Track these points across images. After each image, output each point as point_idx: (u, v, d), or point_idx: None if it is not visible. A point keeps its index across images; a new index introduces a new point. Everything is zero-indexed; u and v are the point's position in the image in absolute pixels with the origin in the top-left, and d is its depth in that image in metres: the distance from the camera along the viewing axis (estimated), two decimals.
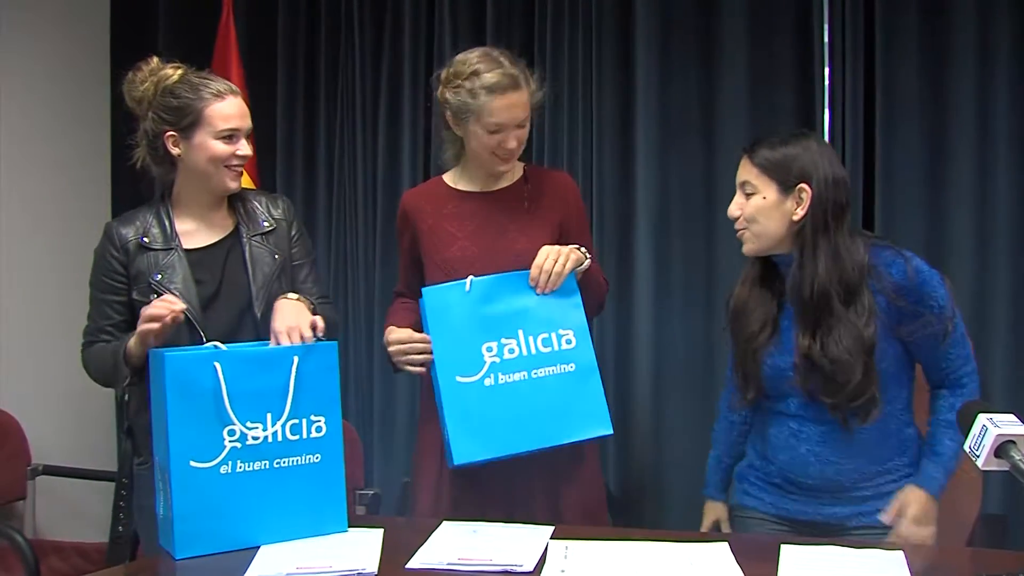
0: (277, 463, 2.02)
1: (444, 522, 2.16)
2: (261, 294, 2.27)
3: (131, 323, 2.19)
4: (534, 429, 2.23)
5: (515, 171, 2.51)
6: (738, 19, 3.30)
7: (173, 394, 1.94)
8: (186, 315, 2.14)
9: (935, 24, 3.10)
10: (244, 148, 2.25)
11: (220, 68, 3.27)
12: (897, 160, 3.13)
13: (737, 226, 2.19)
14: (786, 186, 2.11)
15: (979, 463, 1.67)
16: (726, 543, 1.97)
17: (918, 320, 2.10)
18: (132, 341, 2.13)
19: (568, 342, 2.29)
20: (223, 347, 2.06)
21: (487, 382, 2.23)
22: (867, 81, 3.16)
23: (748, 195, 2.15)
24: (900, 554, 1.88)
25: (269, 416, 2.01)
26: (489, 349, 2.24)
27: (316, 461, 2.06)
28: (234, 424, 1.98)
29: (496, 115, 2.32)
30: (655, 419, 3.35)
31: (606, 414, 2.29)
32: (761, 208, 2.13)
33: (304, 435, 2.05)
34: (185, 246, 2.27)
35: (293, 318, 2.12)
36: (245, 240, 2.31)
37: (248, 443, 1.99)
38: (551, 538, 2.02)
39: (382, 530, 2.07)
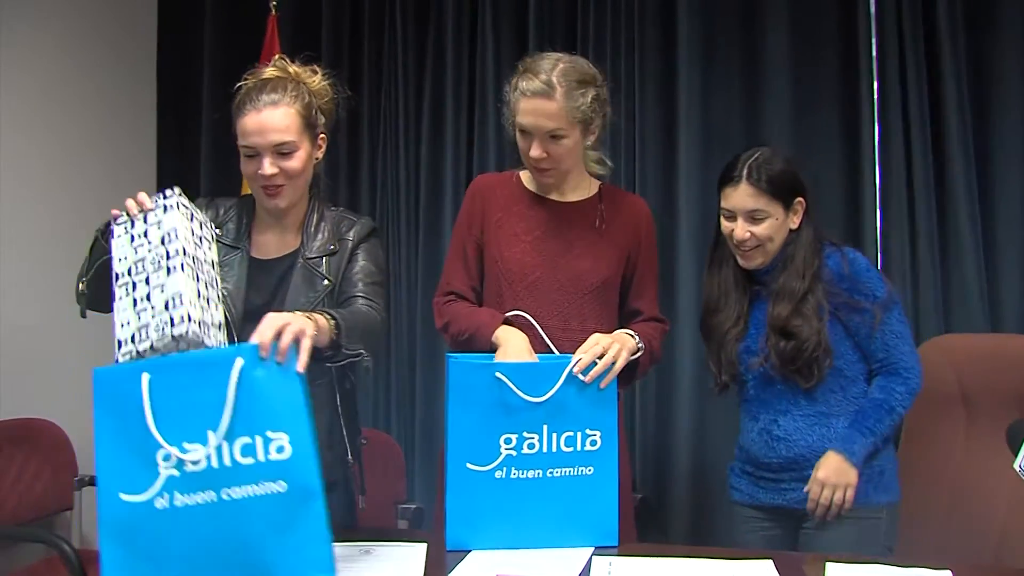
0: (225, 493, 1.67)
1: None
2: None
3: None
4: (536, 530, 2.08)
5: (590, 186, 2.46)
6: (781, 34, 3.30)
7: (100, 414, 1.68)
8: (227, 322, 2.02)
9: (982, 37, 3.09)
10: (266, 167, 2.08)
11: None
12: (949, 175, 3.12)
13: (749, 245, 2.35)
14: (788, 203, 2.35)
15: None
16: (771, 560, 1.95)
17: (854, 309, 2.32)
18: None
19: (593, 443, 2.10)
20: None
21: (498, 475, 2.06)
22: (919, 92, 3.16)
23: (759, 219, 2.32)
24: (948, 573, 1.86)
25: (211, 434, 1.67)
26: (508, 441, 2.06)
27: (280, 491, 1.68)
28: (163, 446, 1.65)
29: (521, 115, 2.30)
30: (695, 431, 3.35)
31: (615, 526, 2.11)
32: (774, 228, 2.34)
33: (260, 457, 1.67)
34: (252, 254, 2.20)
35: (267, 321, 1.77)
36: (300, 262, 2.18)
37: (187, 469, 1.66)
38: (594, 554, 2.01)
39: (425, 545, 2.06)
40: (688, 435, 3.35)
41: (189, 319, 1.77)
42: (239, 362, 1.68)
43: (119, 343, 1.84)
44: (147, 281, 1.84)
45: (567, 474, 2.10)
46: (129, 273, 1.88)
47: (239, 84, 2.16)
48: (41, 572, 3.10)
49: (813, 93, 3.29)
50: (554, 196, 2.45)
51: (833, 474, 2.25)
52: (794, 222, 2.37)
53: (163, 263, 1.84)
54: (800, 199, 2.36)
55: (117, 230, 1.94)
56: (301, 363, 1.72)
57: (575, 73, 2.30)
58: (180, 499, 1.65)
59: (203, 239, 1.99)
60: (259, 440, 1.67)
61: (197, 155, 3.97)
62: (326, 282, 2.17)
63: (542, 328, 2.33)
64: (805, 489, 2.28)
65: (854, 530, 2.29)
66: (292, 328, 1.73)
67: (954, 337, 2.95)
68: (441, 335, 2.52)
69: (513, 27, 3.63)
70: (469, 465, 2.07)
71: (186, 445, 1.65)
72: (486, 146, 3.61)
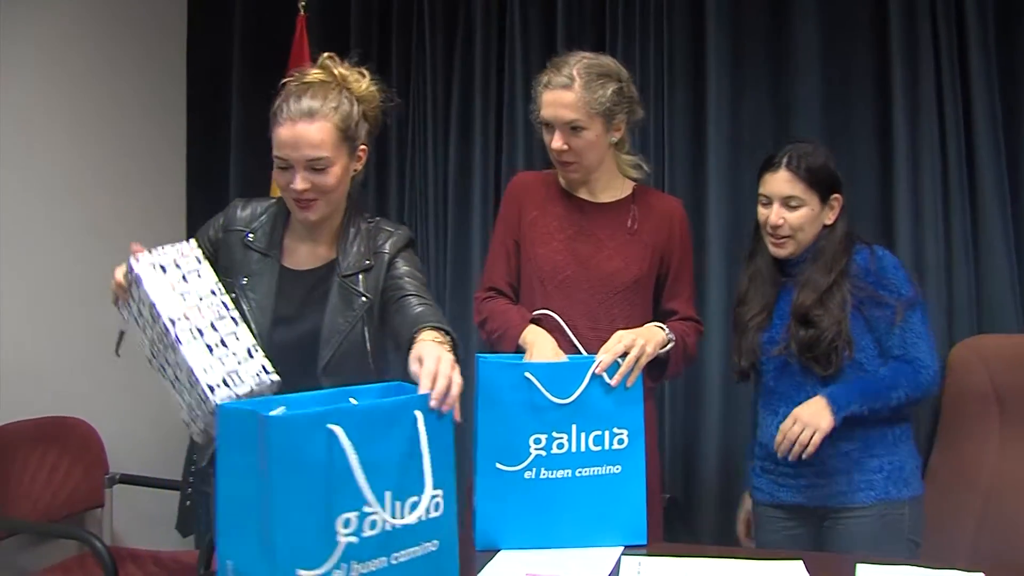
0: (395, 558, 1.55)
1: None
2: (333, 339, 2.08)
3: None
4: (565, 529, 2.08)
5: (624, 187, 2.49)
6: (811, 34, 3.29)
7: (280, 473, 1.42)
8: (254, 334, 1.95)
9: (1014, 34, 3.07)
10: (297, 182, 2.01)
11: None
12: (980, 174, 3.10)
13: (782, 233, 2.39)
14: (824, 196, 2.39)
15: None
16: (800, 560, 1.94)
17: (877, 303, 2.34)
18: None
19: (620, 442, 2.10)
20: (352, 399, 1.67)
21: (527, 475, 2.06)
22: (953, 92, 3.14)
23: (793, 207, 2.37)
24: (980, 575, 1.84)
25: (388, 496, 1.53)
26: (537, 441, 2.07)
27: (433, 550, 1.61)
28: (356, 510, 1.49)
29: (543, 108, 2.35)
30: (724, 431, 3.33)
31: (643, 523, 2.11)
32: (808, 218, 2.38)
33: (423, 516, 1.58)
34: (283, 262, 2.14)
35: (434, 363, 1.70)
36: (336, 278, 2.11)
37: (366, 534, 1.51)
38: (623, 553, 2.01)
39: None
40: (717, 435, 3.34)
41: (212, 390, 1.76)
42: (420, 416, 1.58)
43: (186, 424, 1.88)
44: (168, 361, 1.84)
45: (596, 473, 2.10)
46: (154, 355, 1.89)
47: (283, 81, 2.09)
48: (73, 568, 3.13)
49: (844, 93, 3.27)
50: (587, 196, 2.47)
51: (807, 414, 2.25)
52: (829, 218, 2.41)
53: (166, 341, 1.81)
54: (837, 195, 2.40)
55: (124, 314, 1.94)
56: (458, 412, 1.67)
57: (596, 67, 2.34)
58: (356, 569, 1.50)
59: (185, 277, 1.87)
60: (425, 498, 1.57)
61: (227, 151, 3.98)
62: (363, 299, 2.11)
63: (571, 327, 2.34)
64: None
65: (877, 525, 2.29)
66: (459, 380, 1.67)
67: (987, 338, 2.92)
68: (478, 331, 2.55)
69: (541, 28, 3.62)
70: (499, 465, 2.07)
71: (365, 508, 1.49)
72: (515, 147, 3.61)
